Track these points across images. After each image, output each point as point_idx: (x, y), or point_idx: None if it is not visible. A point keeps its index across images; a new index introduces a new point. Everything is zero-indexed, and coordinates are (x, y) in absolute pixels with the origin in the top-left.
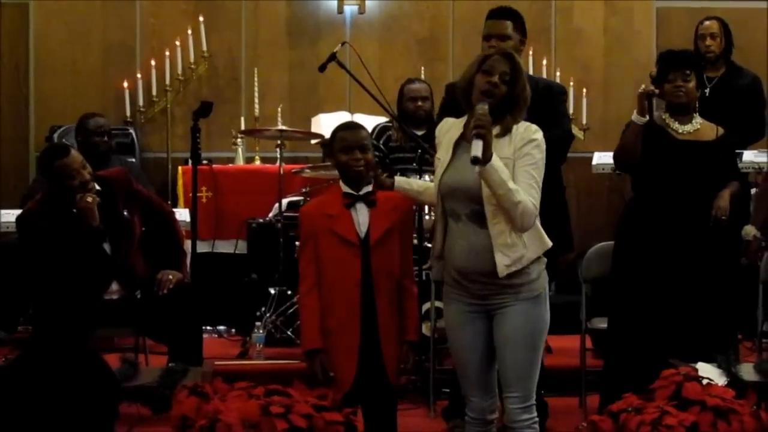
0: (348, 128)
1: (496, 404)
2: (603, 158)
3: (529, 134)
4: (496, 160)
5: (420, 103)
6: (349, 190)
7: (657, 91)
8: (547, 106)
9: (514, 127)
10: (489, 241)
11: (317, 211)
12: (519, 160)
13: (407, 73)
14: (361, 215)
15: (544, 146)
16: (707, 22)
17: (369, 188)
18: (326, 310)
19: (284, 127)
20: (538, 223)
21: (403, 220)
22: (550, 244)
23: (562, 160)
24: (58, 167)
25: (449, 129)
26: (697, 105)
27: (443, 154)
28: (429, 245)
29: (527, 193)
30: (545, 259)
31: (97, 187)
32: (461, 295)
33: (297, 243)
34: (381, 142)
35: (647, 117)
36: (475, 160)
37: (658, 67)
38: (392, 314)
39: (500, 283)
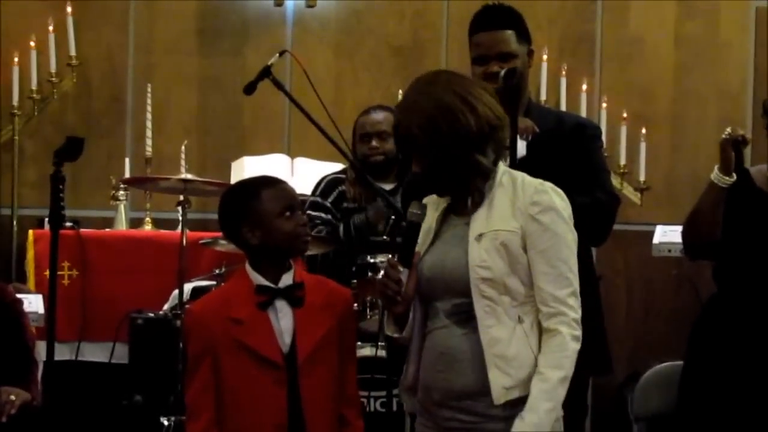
0: (276, 182)
1: None
2: (669, 234)
3: (533, 193)
4: (528, 411)
5: (375, 144)
6: (264, 281)
7: (748, 138)
8: (578, 155)
9: (512, 181)
10: (475, 348)
11: (216, 312)
12: (531, 234)
13: (376, 96)
14: (284, 319)
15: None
16: None
17: (290, 277)
18: None
19: (189, 176)
20: None
21: (343, 321)
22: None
23: (603, 239)
24: None
25: (436, 202)
26: None
27: (423, 236)
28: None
29: (556, 286)
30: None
31: None
32: (425, 426)
33: None
34: (330, 200)
35: (734, 176)
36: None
37: None
38: None
39: (487, 413)
